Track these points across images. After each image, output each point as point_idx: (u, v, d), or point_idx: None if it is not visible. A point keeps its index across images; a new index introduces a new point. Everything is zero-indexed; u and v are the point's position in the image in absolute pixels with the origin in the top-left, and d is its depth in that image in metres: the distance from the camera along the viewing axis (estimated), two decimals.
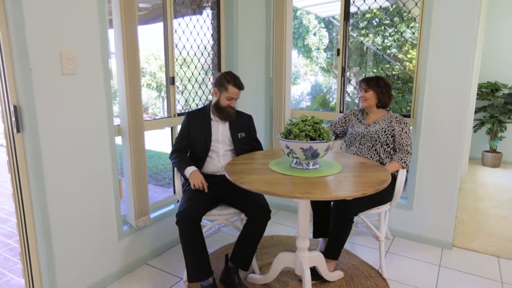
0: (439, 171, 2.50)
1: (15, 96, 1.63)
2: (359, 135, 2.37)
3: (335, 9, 5.27)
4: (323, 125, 1.76)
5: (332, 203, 2.14)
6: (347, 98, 3.04)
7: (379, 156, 2.28)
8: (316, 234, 2.33)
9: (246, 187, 1.55)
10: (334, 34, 8.64)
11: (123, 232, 2.19)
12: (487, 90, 4.54)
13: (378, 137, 2.28)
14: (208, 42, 2.96)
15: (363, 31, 8.01)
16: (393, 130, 2.28)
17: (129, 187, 2.17)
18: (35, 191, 1.73)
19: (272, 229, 2.83)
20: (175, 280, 2.18)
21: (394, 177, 2.24)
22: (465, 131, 2.45)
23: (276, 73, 3.02)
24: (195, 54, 2.85)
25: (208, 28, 2.93)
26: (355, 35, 7.19)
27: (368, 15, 6.58)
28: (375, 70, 5.78)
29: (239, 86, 2.13)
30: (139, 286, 2.11)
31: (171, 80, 2.57)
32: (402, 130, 2.27)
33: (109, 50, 1.98)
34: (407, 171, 2.24)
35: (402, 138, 2.26)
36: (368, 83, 2.34)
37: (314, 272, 2.06)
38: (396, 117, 2.32)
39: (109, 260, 2.12)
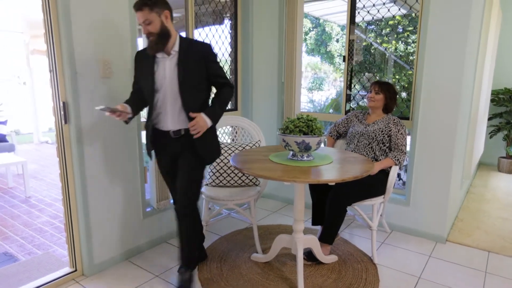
0: (434, 170, 2.67)
1: (64, 94, 2.04)
2: (358, 133, 2.57)
3: (361, 14, 5.47)
4: (317, 123, 2.03)
5: (332, 200, 2.34)
6: (353, 104, 3.27)
7: (374, 153, 2.50)
8: (314, 222, 2.58)
9: (245, 172, 1.85)
10: (358, 41, 8.79)
11: (147, 212, 2.55)
12: (505, 97, 4.57)
13: (375, 135, 2.49)
14: (226, 50, 3.30)
15: (385, 38, 8.13)
16: (390, 130, 2.48)
17: (152, 174, 2.53)
18: (77, 173, 2.12)
19: (279, 219, 3.10)
20: None
21: (387, 173, 2.45)
22: (460, 134, 2.62)
23: (287, 78, 3.30)
24: (219, 60, 3.19)
25: (226, 37, 3.27)
26: (371, 41, 7.31)
27: (391, 22, 6.71)
28: (397, 77, 5.90)
29: (135, 7, 1.77)
30: (158, 259, 2.45)
31: None
32: (398, 132, 2.47)
33: None
34: (399, 168, 2.45)
35: (397, 139, 2.47)
36: (381, 86, 2.52)
37: (311, 254, 2.32)
38: (394, 120, 2.52)
39: (135, 235, 2.49)
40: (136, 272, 2.29)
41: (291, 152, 2.08)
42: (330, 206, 2.29)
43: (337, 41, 9.24)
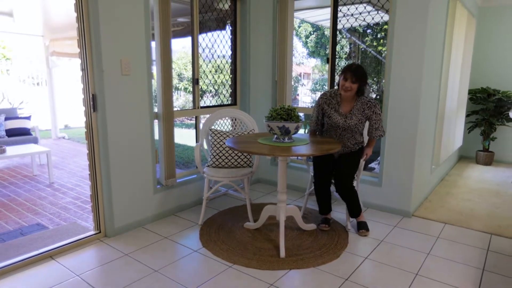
0: (402, 157, 3.13)
1: (93, 88, 2.55)
2: (339, 127, 2.72)
3: (343, 21, 5.93)
4: (295, 112, 2.50)
5: (337, 183, 2.71)
6: None
7: (356, 140, 2.77)
8: (322, 211, 2.93)
9: (238, 150, 2.34)
10: (351, 44, 9.23)
11: (157, 189, 3.05)
12: (481, 95, 5.00)
13: (357, 128, 2.72)
14: (227, 52, 3.80)
15: (381, 41, 8.60)
16: (367, 117, 2.69)
17: (162, 156, 3.03)
18: (102, 153, 2.63)
19: (271, 200, 3.58)
20: (192, 224, 3.01)
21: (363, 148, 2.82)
22: (422, 128, 3.08)
23: (280, 77, 3.79)
24: (220, 61, 3.70)
25: (226, 41, 3.77)
26: (365, 46, 7.76)
27: (386, 27, 7.18)
28: None
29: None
30: (167, 227, 2.95)
31: (196, 81, 3.43)
32: (374, 113, 2.65)
33: (152, 58, 2.86)
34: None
35: (375, 122, 2.68)
36: (356, 75, 2.50)
37: (326, 220, 2.88)
38: (367, 103, 2.65)
39: (147, 207, 2.99)
40: (148, 235, 2.79)
41: (275, 136, 2.57)
42: (342, 192, 2.72)
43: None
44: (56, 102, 7.47)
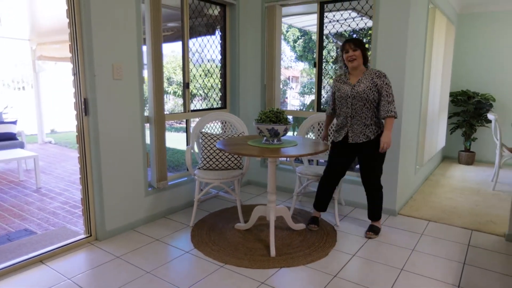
0: (387, 157, 3.22)
1: (85, 92, 2.57)
2: (348, 96, 2.61)
3: (329, 26, 6.09)
4: (284, 115, 2.58)
5: (362, 181, 2.76)
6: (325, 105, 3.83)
7: (373, 112, 2.60)
8: (315, 206, 2.96)
9: (228, 151, 2.40)
10: (338, 49, 9.42)
11: (148, 191, 3.08)
12: (462, 98, 5.19)
13: (367, 95, 2.55)
14: (216, 57, 3.87)
15: (366, 46, 8.76)
16: (376, 85, 2.55)
17: (153, 158, 3.07)
18: (94, 156, 2.65)
19: (261, 201, 3.65)
20: (183, 226, 3.04)
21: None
22: (406, 131, 3.20)
23: (268, 80, 3.87)
24: (210, 65, 3.76)
25: (216, 46, 3.84)
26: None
27: (370, 32, 7.36)
28: None
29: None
30: (158, 230, 2.98)
31: (186, 85, 3.48)
32: (383, 83, 2.54)
33: (143, 62, 2.90)
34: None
35: (387, 92, 2.53)
36: (355, 42, 2.50)
37: (315, 220, 2.93)
38: (375, 73, 2.57)
39: (138, 210, 3.01)
40: (140, 238, 2.82)
41: (264, 138, 2.64)
42: (367, 190, 2.78)
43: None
44: (42, 106, 7.39)
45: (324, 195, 2.90)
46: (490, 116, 4.18)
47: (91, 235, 2.76)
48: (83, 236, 2.78)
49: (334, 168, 2.82)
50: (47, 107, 8.08)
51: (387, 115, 2.56)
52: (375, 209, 2.85)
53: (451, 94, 5.28)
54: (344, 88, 2.66)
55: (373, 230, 2.85)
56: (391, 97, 2.56)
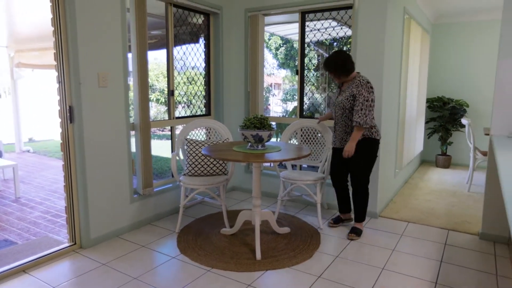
0: None
1: (70, 99, 2.57)
2: (333, 104, 2.86)
3: (311, 35, 6.27)
4: (268, 121, 2.65)
5: (350, 181, 2.90)
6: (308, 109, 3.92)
7: (351, 120, 2.73)
8: (341, 211, 3.16)
9: (214, 157, 2.45)
10: (319, 56, 9.65)
11: (134, 198, 3.08)
12: (438, 104, 5.42)
13: (344, 104, 2.72)
14: (201, 64, 3.92)
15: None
16: (353, 94, 2.67)
17: (139, 165, 3.07)
18: (79, 164, 2.64)
19: (245, 206, 3.69)
20: (169, 232, 3.05)
21: (369, 138, 2.77)
22: (384, 132, 3.33)
23: (252, 87, 3.94)
24: (194, 73, 3.80)
25: (200, 54, 3.89)
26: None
27: (350, 40, 7.58)
28: None
29: None
30: (144, 236, 2.98)
31: (171, 92, 3.51)
32: (359, 92, 2.59)
33: (128, 70, 2.92)
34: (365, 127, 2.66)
35: (357, 103, 2.61)
36: (326, 66, 2.75)
37: (337, 219, 3.14)
38: (355, 82, 2.67)
39: (124, 217, 3.00)
40: (125, 244, 2.81)
41: (249, 144, 2.70)
42: (353, 190, 2.92)
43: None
44: (20, 114, 7.22)
45: (338, 196, 3.14)
46: (464, 121, 4.38)
47: (75, 243, 2.74)
48: (67, 244, 2.75)
49: (334, 170, 3.06)
50: (25, 115, 7.90)
51: (353, 124, 2.72)
52: (359, 209, 2.96)
53: (428, 100, 5.50)
54: (335, 96, 2.91)
55: (355, 232, 2.94)
56: (359, 106, 2.62)
